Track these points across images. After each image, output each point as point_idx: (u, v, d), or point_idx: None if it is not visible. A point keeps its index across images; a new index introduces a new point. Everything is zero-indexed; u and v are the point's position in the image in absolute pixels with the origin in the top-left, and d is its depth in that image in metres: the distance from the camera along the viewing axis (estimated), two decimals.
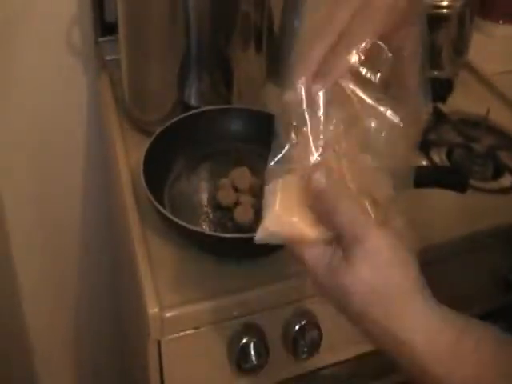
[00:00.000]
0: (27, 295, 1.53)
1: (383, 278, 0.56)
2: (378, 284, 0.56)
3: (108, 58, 1.23)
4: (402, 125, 0.60)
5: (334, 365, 0.98)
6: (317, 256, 0.60)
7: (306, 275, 0.86)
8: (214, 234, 0.89)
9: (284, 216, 0.61)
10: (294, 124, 0.61)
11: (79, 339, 1.68)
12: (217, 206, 0.95)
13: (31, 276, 1.50)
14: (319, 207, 0.59)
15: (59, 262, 1.52)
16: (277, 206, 0.61)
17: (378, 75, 0.61)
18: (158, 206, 0.87)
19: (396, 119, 0.60)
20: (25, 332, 1.58)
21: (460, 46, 1.21)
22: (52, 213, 1.45)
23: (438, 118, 1.16)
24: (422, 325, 0.56)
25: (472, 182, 1.03)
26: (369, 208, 0.59)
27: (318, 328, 0.91)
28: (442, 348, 0.55)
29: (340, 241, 0.58)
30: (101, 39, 1.23)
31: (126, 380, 1.56)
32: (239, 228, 0.91)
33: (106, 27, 1.21)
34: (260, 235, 0.63)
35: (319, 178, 0.59)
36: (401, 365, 0.58)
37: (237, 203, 0.94)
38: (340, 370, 0.98)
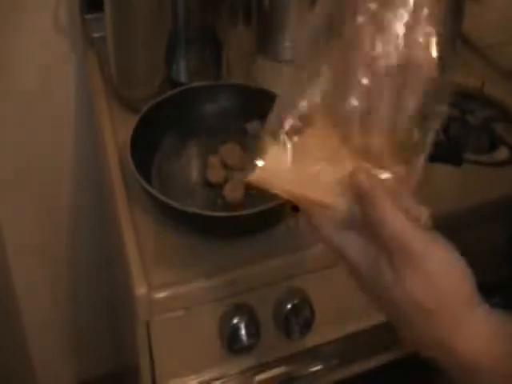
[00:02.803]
0: (20, 284, 1.53)
1: (439, 293, 0.55)
2: (432, 299, 0.55)
3: (95, 35, 1.21)
4: None
5: (326, 343, 0.97)
6: (358, 252, 0.58)
7: (297, 252, 0.87)
8: (203, 213, 0.87)
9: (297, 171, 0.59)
10: None
11: (75, 326, 1.69)
12: (206, 183, 0.93)
13: (24, 264, 1.50)
14: (362, 209, 0.57)
15: (51, 248, 1.52)
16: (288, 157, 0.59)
17: None
18: (146, 185, 0.86)
19: None
20: (20, 324, 1.58)
21: (455, 17, 1.19)
22: (41, 190, 1.44)
23: None
24: (481, 335, 0.54)
25: (467, 155, 1.02)
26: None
27: (311, 306, 0.90)
28: (503, 356, 0.54)
29: (384, 246, 0.56)
30: (88, 16, 1.21)
31: (121, 362, 1.55)
32: (229, 205, 0.90)
33: (92, 4, 1.19)
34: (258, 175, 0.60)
35: (362, 178, 0.57)
36: (451, 372, 0.56)
37: (226, 180, 0.92)
38: (333, 349, 0.97)
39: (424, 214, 0.58)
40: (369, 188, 0.56)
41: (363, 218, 0.57)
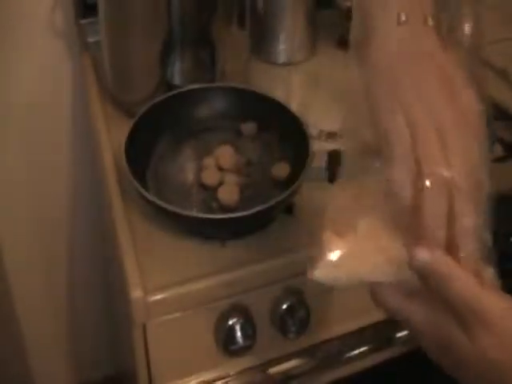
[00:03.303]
0: (18, 287, 1.53)
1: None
2: (508, 357, 0.53)
3: (90, 39, 1.21)
4: None
5: (323, 343, 0.97)
6: (424, 319, 0.57)
7: (292, 253, 0.87)
8: (198, 215, 0.87)
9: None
10: None
11: (73, 329, 1.69)
12: (201, 185, 0.94)
13: (19, 261, 1.50)
14: (427, 281, 0.56)
15: (49, 251, 1.52)
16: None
17: None
18: (141, 189, 0.86)
19: None
20: (18, 328, 1.58)
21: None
22: (36, 194, 1.44)
23: None
24: None
25: None
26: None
27: (306, 307, 0.90)
28: None
29: (454, 309, 0.54)
30: (82, 21, 1.21)
31: (118, 365, 1.56)
32: (224, 208, 0.90)
33: (87, 8, 1.19)
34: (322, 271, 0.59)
35: (423, 254, 0.54)
36: None
37: (221, 182, 0.93)
38: (329, 348, 0.97)
39: (490, 273, 0.57)
40: (433, 266, 0.54)
41: (427, 287, 0.56)
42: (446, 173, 0.55)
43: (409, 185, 0.55)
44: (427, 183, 0.54)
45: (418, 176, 0.55)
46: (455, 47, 0.62)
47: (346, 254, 0.58)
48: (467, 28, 0.65)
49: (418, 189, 0.55)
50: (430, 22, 0.61)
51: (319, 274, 0.58)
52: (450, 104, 0.58)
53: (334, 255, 0.58)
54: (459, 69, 0.60)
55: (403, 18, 0.60)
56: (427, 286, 0.56)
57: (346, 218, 0.60)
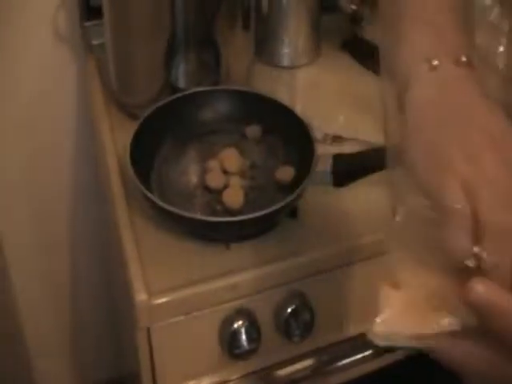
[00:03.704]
0: (21, 290, 1.53)
1: None
2: None
3: (95, 42, 1.21)
4: None
5: (327, 346, 0.97)
6: (480, 361, 0.52)
7: (296, 256, 0.87)
8: (202, 218, 0.87)
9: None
10: None
11: (76, 332, 1.69)
12: (205, 188, 0.93)
13: (21, 261, 1.49)
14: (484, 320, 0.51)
15: (51, 254, 1.52)
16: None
17: None
18: (145, 191, 0.86)
19: None
20: (21, 331, 1.58)
21: None
22: (40, 196, 1.44)
23: None
24: None
25: None
26: None
27: (311, 310, 0.90)
28: None
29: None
30: (87, 23, 1.21)
31: (122, 367, 1.55)
32: (229, 211, 0.90)
33: (91, 11, 1.19)
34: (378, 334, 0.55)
35: (478, 288, 0.50)
36: None
37: (226, 185, 0.92)
38: (334, 352, 0.97)
39: None
40: (489, 302, 0.50)
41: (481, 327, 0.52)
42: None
43: (467, 246, 0.51)
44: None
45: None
46: (490, 76, 0.59)
47: (403, 309, 0.55)
48: (502, 56, 0.63)
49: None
50: (463, 59, 0.56)
51: (376, 332, 0.54)
52: (499, 161, 0.53)
53: (389, 311, 0.54)
54: (499, 116, 0.55)
55: (435, 62, 0.55)
56: (483, 322, 0.52)
57: (404, 269, 0.57)
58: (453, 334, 0.53)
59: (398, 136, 0.57)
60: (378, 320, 0.54)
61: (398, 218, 0.57)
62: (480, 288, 0.49)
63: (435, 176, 0.53)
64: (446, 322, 0.53)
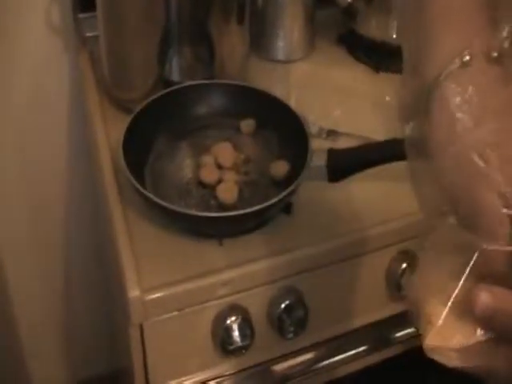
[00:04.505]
0: (15, 285, 1.53)
1: None
2: None
3: (88, 34, 1.20)
4: None
5: (321, 343, 0.97)
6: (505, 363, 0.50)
7: (290, 252, 0.86)
8: (195, 213, 0.86)
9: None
10: None
11: (70, 328, 1.69)
12: (199, 183, 0.93)
13: (16, 260, 1.49)
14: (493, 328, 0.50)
15: (46, 248, 1.52)
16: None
17: None
18: (138, 186, 0.85)
19: None
20: (15, 326, 1.58)
21: None
22: (33, 191, 1.43)
23: None
24: None
25: None
26: None
27: (304, 306, 0.90)
28: None
29: None
30: (81, 15, 1.20)
31: (115, 363, 1.55)
32: (223, 206, 0.89)
33: (85, 2, 1.18)
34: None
35: (484, 298, 0.48)
36: None
37: (220, 180, 0.92)
38: (327, 348, 0.97)
39: None
40: (493, 307, 0.49)
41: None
42: None
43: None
44: None
45: None
46: None
47: (452, 320, 0.52)
48: None
49: None
50: (494, 55, 0.53)
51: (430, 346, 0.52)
52: None
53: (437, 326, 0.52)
54: None
55: (467, 57, 0.53)
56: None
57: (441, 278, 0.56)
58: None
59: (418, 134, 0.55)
60: (429, 335, 0.52)
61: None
62: (485, 297, 0.48)
63: (468, 184, 0.50)
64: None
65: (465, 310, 0.50)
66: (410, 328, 0.99)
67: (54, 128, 1.36)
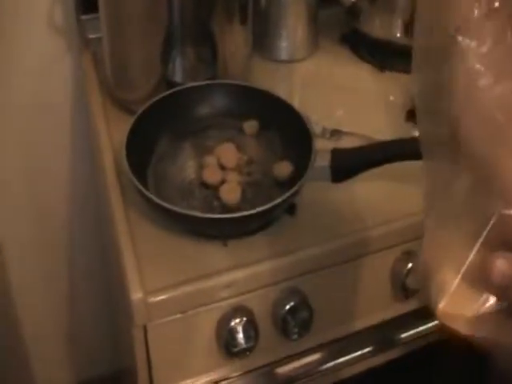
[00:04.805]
0: (18, 287, 1.52)
1: None
2: None
3: (91, 35, 1.20)
4: None
5: (325, 344, 0.96)
6: None
7: (294, 253, 0.86)
8: (199, 214, 0.86)
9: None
10: None
11: (74, 329, 1.68)
12: (202, 184, 0.92)
13: (19, 261, 1.49)
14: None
15: (49, 249, 1.52)
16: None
17: None
18: (141, 187, 0.85)
19: None
20: (18, 327, 1.58)
21: None
22: (36, 192, 1.43)
23: None
24: None
25: None
26: None
27: (309, 307, 0.89)
28: None
29: None
30: (83, 17, 1.20)
31: (119, 365, 1.55)
32: (226, 207, 0.89)
33: (88, 4, 1.18)
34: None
35: (500, 265, 0.47)
36: None
37: (223, 181, 0.91)
38: (332, 349, 0.96)
39: None
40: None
41: None
42: None
43: None
44: None
45: None
46: None
47: (464, 288, 0.51)
48: None
49: None
50: None
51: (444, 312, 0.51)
52: None
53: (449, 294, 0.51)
54: None
55: (496, 3, 0.49)
56: None
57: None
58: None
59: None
60: (441, 301, 0.51)
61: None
62: (502, 264, 0.47)
63: (491, 150, 0.48)
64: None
65: (478, 278, 0.49)
66: (414, 329, 0.99)
67: (56, 129, 1.36)
